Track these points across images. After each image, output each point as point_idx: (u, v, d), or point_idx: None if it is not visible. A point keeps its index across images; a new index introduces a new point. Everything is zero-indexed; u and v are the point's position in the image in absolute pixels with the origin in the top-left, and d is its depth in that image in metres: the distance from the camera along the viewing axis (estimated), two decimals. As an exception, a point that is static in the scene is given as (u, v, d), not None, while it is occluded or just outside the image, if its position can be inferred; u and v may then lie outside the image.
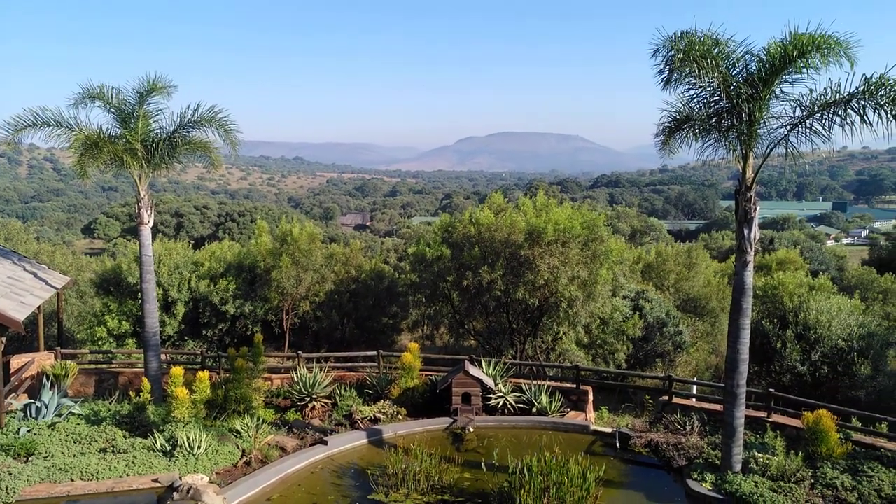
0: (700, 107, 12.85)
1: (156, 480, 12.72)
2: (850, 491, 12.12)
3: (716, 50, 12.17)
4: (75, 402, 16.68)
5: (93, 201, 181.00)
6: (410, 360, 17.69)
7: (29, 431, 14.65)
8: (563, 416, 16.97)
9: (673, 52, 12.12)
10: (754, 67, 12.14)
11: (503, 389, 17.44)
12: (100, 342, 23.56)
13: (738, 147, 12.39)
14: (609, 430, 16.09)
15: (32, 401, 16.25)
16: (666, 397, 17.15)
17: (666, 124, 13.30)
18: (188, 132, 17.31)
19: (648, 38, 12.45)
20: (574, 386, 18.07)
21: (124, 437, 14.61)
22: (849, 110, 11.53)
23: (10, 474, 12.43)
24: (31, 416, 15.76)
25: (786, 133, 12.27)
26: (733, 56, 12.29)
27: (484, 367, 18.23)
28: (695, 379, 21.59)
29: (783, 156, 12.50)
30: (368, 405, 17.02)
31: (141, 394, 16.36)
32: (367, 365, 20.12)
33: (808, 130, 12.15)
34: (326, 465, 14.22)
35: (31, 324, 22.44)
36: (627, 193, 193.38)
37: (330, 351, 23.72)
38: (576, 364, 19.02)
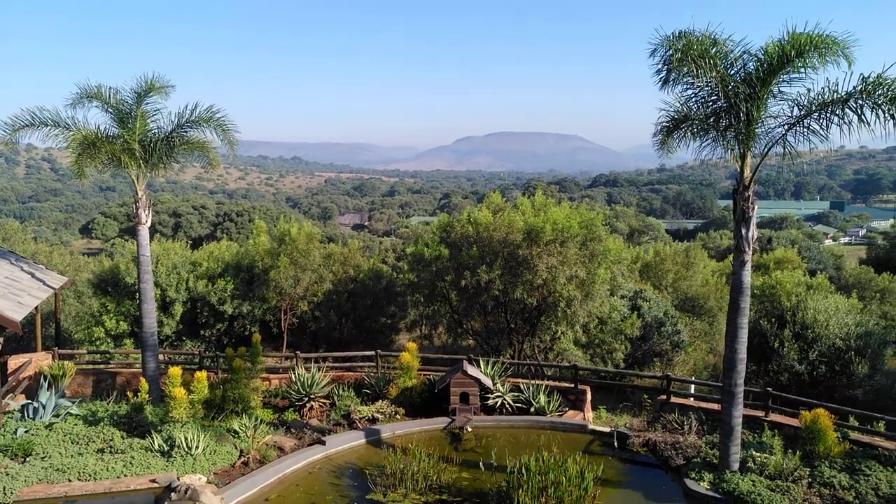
0: (698, 106, 12.86)
1: (153, 481, 12.70)
2: (848, 490, 12.14)
3: (714, 49, 12.18)
4: (73, 403, 16.66)
5: (90, 201, 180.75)
6: (408, 359, 17.69)
7: (26, 432, 14.62)
8: (562, 415, 16.98)
9: (671, 52, 12.14)
10: (752, 67, 12.15)
11: (501, 389, 17.44)
12: (97, 342, 23.52)
13: (736, 146, 12.40)
14: (607, 429, 16.10)
15: (30, 401, 16.21)
16: (664, 397, 17.17)
17: (664, 124, 13.31)
18: (186, 132, 17.30)
19: (648, 38, 12.47)
20: (572, 385, 18.08)
21: (122, 437, 14.59)
22: (846, 110, 11.55)
23: (7, 475, 12.42)
24: (28, 416, 15.73)
25: (784, 133, 12.28)
26: (731, 56, 12.31)
27: (482, 366, 18.23)
28: (693, 378, 21.61)
29: (781, 155, 12.51)
30: (366, 405, 17.01)
31: (139, 394, 16.34)
32: (366, 365, 20.12)
33: (805, 130, 12.16)
34: (324, 465, 14.22)
35: (29, 324, 22.43)
36: (625, 193, 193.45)
37: (328, 351, 23.71)
38: (574, 363, 19.03)
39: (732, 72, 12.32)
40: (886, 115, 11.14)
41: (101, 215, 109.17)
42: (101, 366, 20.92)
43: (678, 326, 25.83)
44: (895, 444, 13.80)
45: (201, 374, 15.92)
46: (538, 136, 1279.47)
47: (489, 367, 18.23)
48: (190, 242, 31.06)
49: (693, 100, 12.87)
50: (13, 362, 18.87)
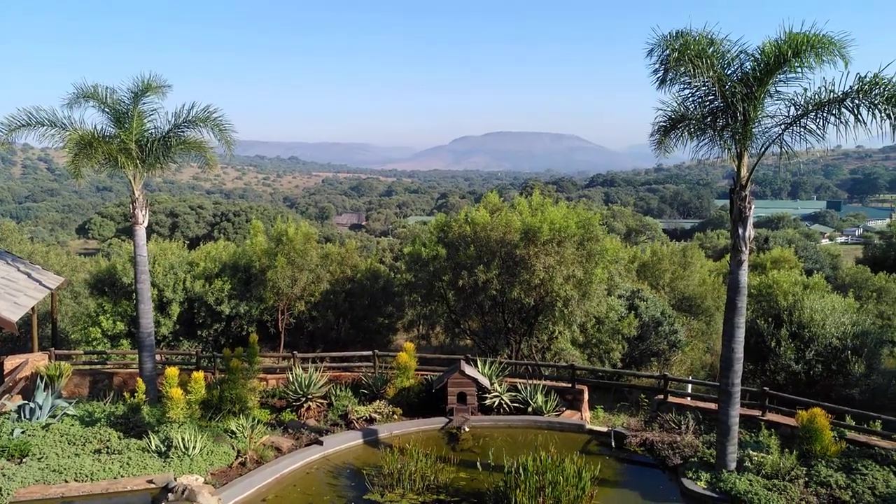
0: (695, 106, 12.87)
1: (150, 481, 12.68)
2: (845, 489, 12.17)
3: (710, 49, 12.20)
4: (70, 403, 16.63)
5: (87, 201, 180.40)
6: (406, 359, 17.68)
7: (23, 433, 14.59)
8: (559, 415, 16.99)
9: (668, 52, 12.15)
10: (749, 67, 12.17)
11: (499, 389, 17.45)
12: (94, 343, 23.47)
13: (733, 146, 12.42)
14: (604, 429, 16.11)
15: (26, 402, 16.18)
16: (661, 396, 17.19)
17: (661, 123, 13.32)
18: (183, 132, 17.27)
19: (646, 38, 12.48)
20: (569, 385, 18.10)
21: (119, 438, 14.57)
22: (843, 109, 11.58)
23: (3, 476, 12.39)
24: (25, 417, 15.69)
25: (780, 132, 12.31)
26: (728, 55, 12.32)
27: (479, 366, 18.23)
28: (690, 378, 21.62)
29: (778, 155, 12.53)
30: (364, 405, 17.00)
31: (136, 394, 16.31)
32: (363, 365, 20.11)
33: (802, 129, 12.19)
34: (322, 465, 14.21)
35: (25, 324, 22.38)
36: (623, 193, 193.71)
37: (325, 351, 23.69)
38: (571, 363, 19.05)
39: (729, 71, 12.34)
40: (883, 114, 11.17)
41: (97, 215, 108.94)
42: (98, 366, 20.87)
43: (675, 326, 25.84)
44: (891, 443, 13.84)
45: (198, 375, 15.90)
46: (535, 136, 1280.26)
47: (486, 367, 18.24)
48: (187, 242, 31.02)
49: (690, 99, 12.89)
50: (9, 363, 18.81)
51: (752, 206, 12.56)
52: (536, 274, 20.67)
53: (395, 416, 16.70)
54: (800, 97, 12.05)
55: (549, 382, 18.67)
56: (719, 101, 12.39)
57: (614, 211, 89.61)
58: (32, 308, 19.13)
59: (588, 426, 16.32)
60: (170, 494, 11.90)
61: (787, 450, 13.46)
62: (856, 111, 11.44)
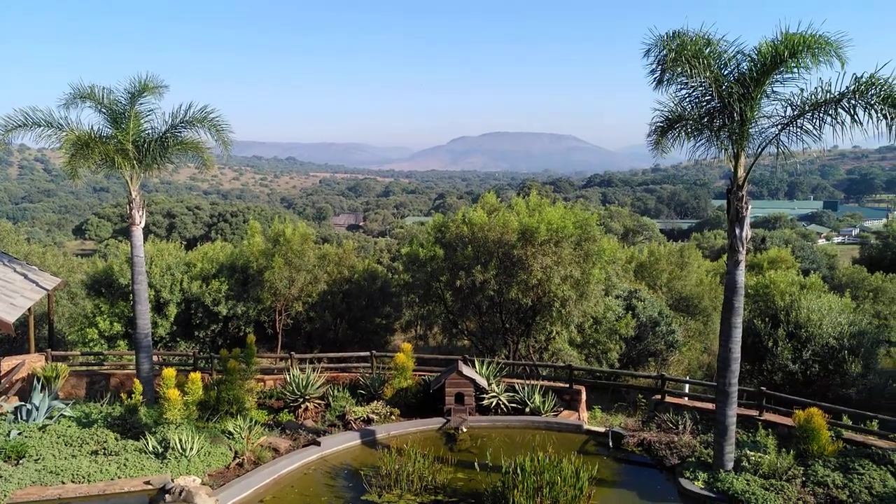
0: (692, 106, 12.88)
1: (148, 483, 12.65)
2: (842, 488, 12.19)
3: (707, 50, 12.21)
4: (66, 405, 16.58)
5: (84, 202, 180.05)
6: (403, 360, 17.67)
7: (19, 434, 14.55)
8: (557, 415, 17.00)
9: (665, 52, 12.16)
10: (746, 67, 12.18)
11: (496, 389, 17.45)
12: (91, 344, 23.43)
13: (730, 146, 12.44)
14: (602, 429, 16.12)
15: (23, 403, 16.14)
16: (658, 396, 17.19)
17: (658, 124, 13.33)
18: (180, 132, 17.25)
19: (644, 39, 12.49)
20: (567, 385, 18.10)
21: (116, 439, 14.54)
22: (839, 110, 11.60)
23: (0, 478, 12.35)
24: (21, 418, 15.65)
25: (777, 132, 12.32)
26: (725, 56, 12.34)
27: (477, 367, 18.23)
28: (687, 378, 21.66)
29: (774, 155, 12.56)
30: (361, 406, 16.99)
31: (133, 395, 16.27)
32: (361, 365, 20.08)
33: (799, 130, 12.21)
34: (319, 465, 14.19)
35: (22, 325, 22.31)
36: (620, 193, 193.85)
37: (323, 352, 23.67)
38: (569, 363, 19.06)
39: (726, 72, 12.35)
40: (879, 115, 11.19)
41: (94, 216, 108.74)
42: (95, 367, 20.84)
43: (673, 326, 25.88)
44: (888, 442, 13.86)
45: (196, 376, 15.87)
46: (533, 136, 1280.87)
47: (484, 368, 18.23)
48: (184, 243, 30.96)
49: (687, 100, 12.90)
50: (6, 364, 18.78)
51: (749, 207, 12.58)
52: (534, 274, 20.68)
53: (393, 417, 16.69)
54: (796, 97, 12.08)
55: (546, 383, 18.67)
56: (716, 101, 12.41)
57: (611, 211, 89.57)
58: (29, 309, 19.10)
59: (586, 426, 16.33)
60: (167, 496, 11.88)
61: (784, 449, 13.47)
62: (852, 111, 11.46)
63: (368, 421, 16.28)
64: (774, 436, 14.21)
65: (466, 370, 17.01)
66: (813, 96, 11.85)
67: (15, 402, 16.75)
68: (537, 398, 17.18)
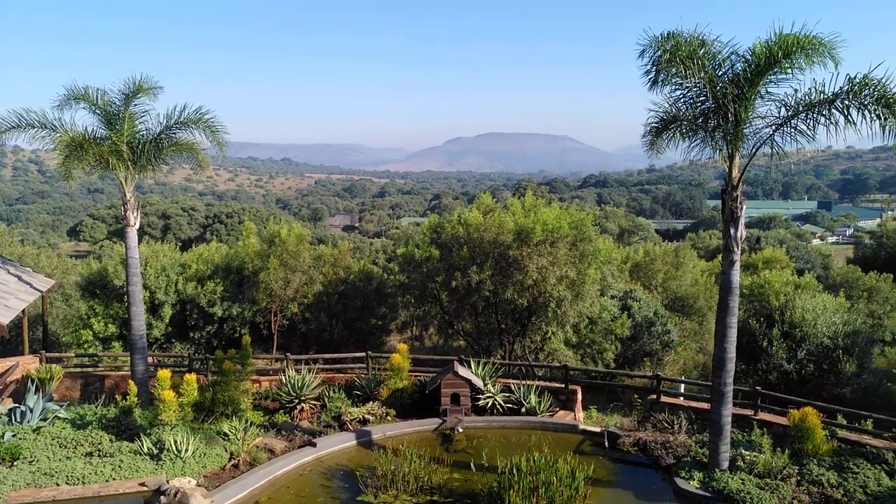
0: (686, 107, 12.93)
1: (143, 484, 12.61)
2: (836, 487, 12.23)
3: (702, 50, 12.25)
4: (61, 406, 16.52)
5: (78, 203, 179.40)
6: (399, 361, 17.67)
7: (14, 436, 14.48)
8: (552, 415, 17.01)
9: (659, 53, 12.20)
10: (740, 68, 12.23)
11: (492, 390, 17.45)
12: (86, 345, 23.35)
13: (725, 147, 12.47)
14: (598, 429, 16.14)
15: (17, 405, 16.06)
16: (654, 396, 17.23)
17: (653, 124, 13.37)
18: (175, 133, 17.19)
19: (639, 40, 12.53)
20: (563, 385, 18.12)
21: (111, 440, 14.48)
22: (833, 110, 11.65)
23: (-6, 479, 12.30)
24: (15, 420, 15.58)
25: (771, 133, 12.36)
26: (719, 56, 12.39)
27: (473, 367, 18.23)
28: (682, 378, 21.71)
29: (769, 155, 12.59)
30: (357, 406, 16.98)
31: (127, 397, 16.23)
32: (356, 366, 20.07)
33: (793, 130, 12.25)
34: (315, 466, 14.17)
35: (16, 327, 22.25)
36: (615, 193, 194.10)
37: (318, 352, 23.65)
38: (564, 364, 19.07)
39: (721, 72, 12.40)
40: (872, 115, 11.25)
41: (89, 217, 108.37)
42: (90, 369, 20.77)
43: (668, 326, 25.94)
44: (883, 441, 13.92)
45: (191, 377, 15.82)
46: (528, 137, 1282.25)
47: (480, 368, 18.24)
48: (179, 244, 30.89)
49: (682, 100, 12.95)
50: (0, 366, 18.70)
51: (744, 207, 12.62)
52: (529, 275, 20.70)
53: (389, 418, 16.68)
54: (790, 98, 12.13)
55: (542, 383, 18.68)
56: (711, 101, 12.45)
57: (607, 212, 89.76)
58: (23, 311, 19.02)
59: (581, 426, 16.34)
60: (162, 497, 11.84)
61: (779, 449, 13.51)
62: (846, 112, 11.51)
63: (364, 422, 16.27)
64: (769, 435, 14.25)
65: (462, 371, 17.01)
66: (807, 97, 11.90)
67: (9, 403, 16.68)
68: (533, 398, 17.19)
